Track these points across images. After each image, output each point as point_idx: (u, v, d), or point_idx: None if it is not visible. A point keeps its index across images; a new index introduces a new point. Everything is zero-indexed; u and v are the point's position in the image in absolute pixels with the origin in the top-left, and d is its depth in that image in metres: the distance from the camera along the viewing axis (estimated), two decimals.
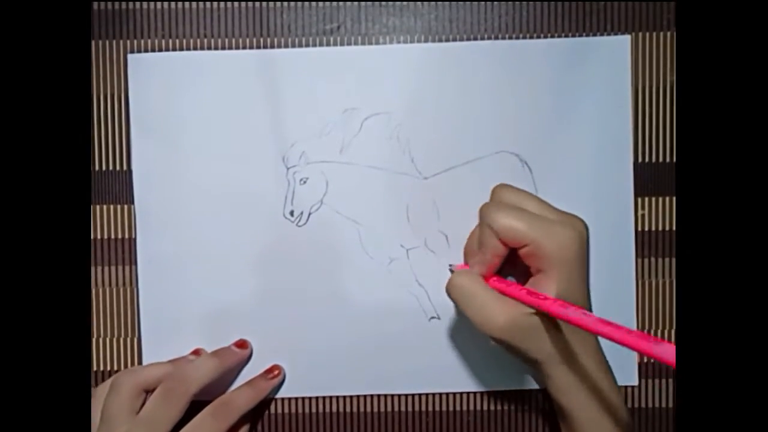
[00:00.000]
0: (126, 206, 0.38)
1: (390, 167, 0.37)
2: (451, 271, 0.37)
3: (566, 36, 0.37)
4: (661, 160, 0.38)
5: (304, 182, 0.37)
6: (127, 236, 0.38)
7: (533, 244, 0.29)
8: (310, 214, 0.37)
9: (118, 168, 0.38)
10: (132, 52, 0.37)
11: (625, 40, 0.37)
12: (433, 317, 0.38)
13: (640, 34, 0.37)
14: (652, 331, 0.38)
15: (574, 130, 0.37)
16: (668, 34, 0.37)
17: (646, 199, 0.38)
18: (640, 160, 0.38)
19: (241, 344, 0.37)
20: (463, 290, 0.31)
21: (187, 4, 0.38)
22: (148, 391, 0.33)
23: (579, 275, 0.30)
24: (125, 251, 0.38)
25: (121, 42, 0.38)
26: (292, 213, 0.37)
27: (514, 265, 0.34)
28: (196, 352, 0.37)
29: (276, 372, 0.37)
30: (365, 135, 0.37)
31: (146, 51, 0.38)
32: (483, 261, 0.32)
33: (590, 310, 0.32)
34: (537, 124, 0.37)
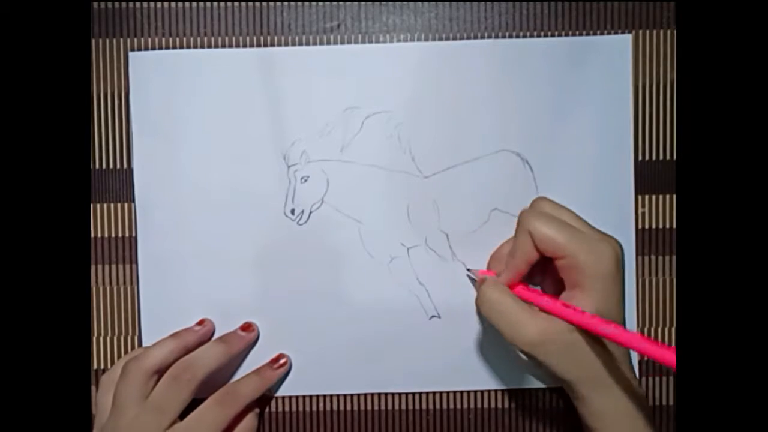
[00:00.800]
0: (126, 204, 0.38)
1: (390, 166, 0.37)
2: (470, 277, 0.37)
3: (567, 35, 0.37)
4: (661, 157, 0.38)
5: (305, 181, 0.37)
6: (127, 234, 0.38)
7: (572, 256, 0.29)
8: (310, 212, 0.37)
9: (118, 166, 0.38)
10: (132, 50, 0.37)
11: (627, 39, 0.37)
12: (433, 316, 0.38)
13: (641, 32, 0.37)
14: (653, 329, 0.38)
15: (574, 129, 0.37)
16: (668, 32, 0.37)
17: (647, 196, 0.38)
18: (640, 158, 0.38)
19: (247, 327, 0.37)
20: (492, 304, 0.31)
21: (187, 2, 0.38)
22: (160, 373, 0.33)
23: (615, 293, 0.30)
24: (126, 249, 0.38)
25: (122, 40, 0.38)
26: (292, 211, 0.37)
27: (543, 278, 0.34)
28: (201, 323, 0.37)
29: (282, 361, 0.37)
30: (366, 134, 0.37)
31: (147, 49, 0.38)
32: (513, 266, 0.32)
33: None
34: (538, 122, 0.37)
